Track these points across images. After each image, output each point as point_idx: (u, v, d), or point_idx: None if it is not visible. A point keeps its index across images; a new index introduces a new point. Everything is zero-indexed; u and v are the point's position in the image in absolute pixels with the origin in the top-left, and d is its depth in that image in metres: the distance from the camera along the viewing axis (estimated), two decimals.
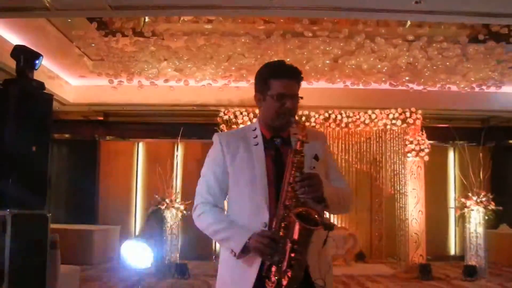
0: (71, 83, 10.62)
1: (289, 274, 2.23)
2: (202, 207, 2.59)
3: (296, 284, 2.25)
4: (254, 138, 2.62)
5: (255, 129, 2.66)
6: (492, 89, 9.96)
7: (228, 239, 2.46)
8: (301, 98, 2.56)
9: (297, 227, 2.22)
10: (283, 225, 2.31)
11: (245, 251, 2.38)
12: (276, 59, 3.03)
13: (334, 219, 11.25)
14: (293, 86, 2.54)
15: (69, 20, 7.73)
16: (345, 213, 2.79)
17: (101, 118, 12.19)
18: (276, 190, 2.43)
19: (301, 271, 2.27)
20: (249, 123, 10.36)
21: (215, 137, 2.69)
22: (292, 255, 2.23)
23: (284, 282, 2.24)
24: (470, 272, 9.24)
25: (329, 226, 2.26)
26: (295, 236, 2.22)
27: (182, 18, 8.29)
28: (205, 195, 2.61)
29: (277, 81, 2.52)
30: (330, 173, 2.65)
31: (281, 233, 2.30)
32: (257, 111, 10.14)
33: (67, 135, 12.47)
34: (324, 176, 2.53)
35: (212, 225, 2.54)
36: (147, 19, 8.24)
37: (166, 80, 9.60)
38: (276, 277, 2.26)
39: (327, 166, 2.66)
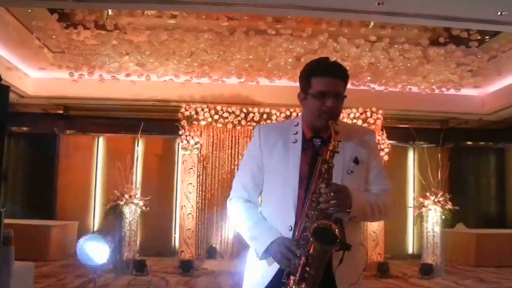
0: (30, 75, 10.39)
1: (303, 287, 2.16)
2: (236, 201, 2.57)
3: None
4: (294, 134, 2.50)
5: (298, 124, 2.53)
6: (452, 91, 10.14)
7: (253, 238, 2.44)
8: (345, 97, 2.41)
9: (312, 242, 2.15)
10: (304, 235, 2.24)
11: (267, 253, 2.35)
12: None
13: None
14: (336, 84, 2.38)
15: (30, 10, 7.56)
16: (386, 220, 2.62)
17: (61, 112, 11.94)
18: (307, 193, 2.32)
19: (314, 286, 2.16)
20: (209, 119, 10.32)
21: (256, 130, 2.61)
22: (307, 269, 2.15)
23: None
24: (427, 271, 9.40)
25: (346, 246, 2.14)
26: (311, 250, 2.15)
27: (145, 12, 8.21)
28: (240, 189, 2.57)
29: (318, 79, 2.38)
30: (370, 176, 2.50)
31: (302, 242, 2.23)
32: (218, 107, 10.25)
33: (25, 128, 12.19)
34: (364, 180, 2.47)
35: (241, 221, 2.51)
36: (109, 12, 8.12)
37: (128, 75, 9.49)
38: (294, 287, 2.19)
39: (369, 168, 2.50)
